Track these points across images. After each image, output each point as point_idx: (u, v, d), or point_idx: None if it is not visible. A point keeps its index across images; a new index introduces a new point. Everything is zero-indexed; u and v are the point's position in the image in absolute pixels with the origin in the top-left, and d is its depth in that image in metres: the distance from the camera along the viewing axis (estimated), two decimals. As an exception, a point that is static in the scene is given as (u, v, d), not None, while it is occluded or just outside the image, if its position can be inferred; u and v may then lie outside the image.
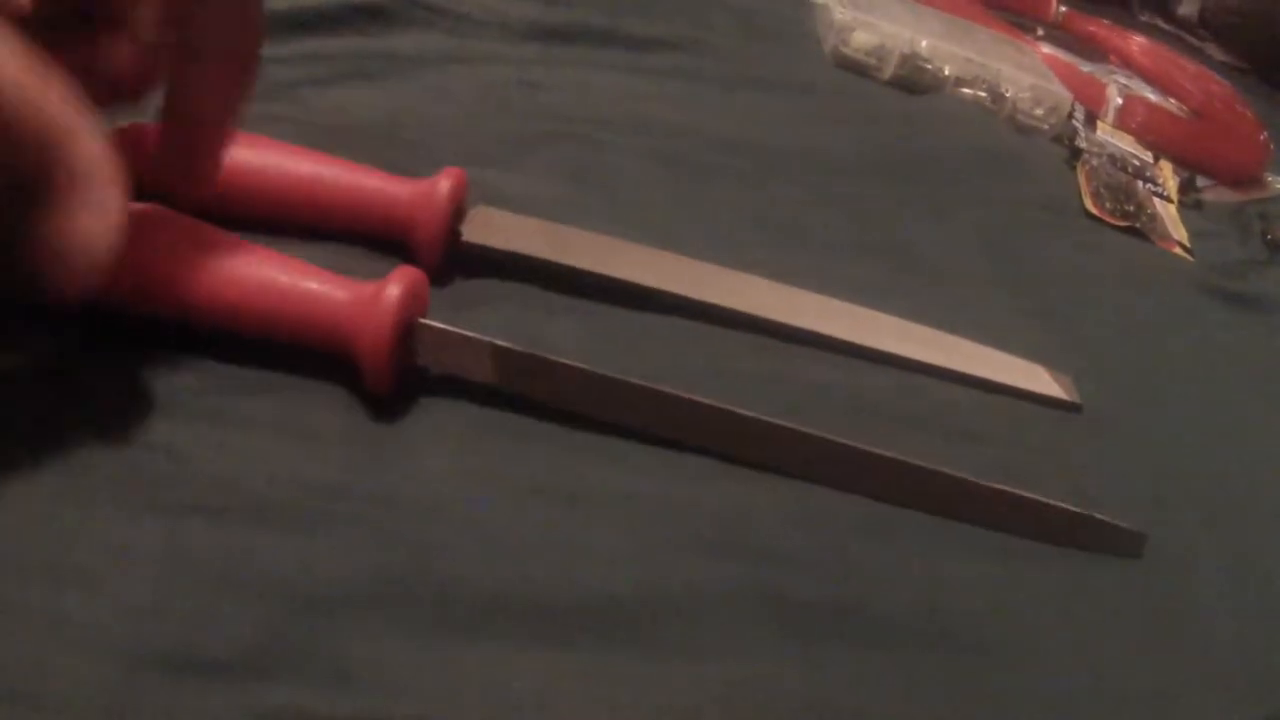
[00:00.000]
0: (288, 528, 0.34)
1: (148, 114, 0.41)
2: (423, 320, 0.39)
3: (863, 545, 0.40)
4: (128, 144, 0.42)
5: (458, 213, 0.44)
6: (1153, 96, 0.91)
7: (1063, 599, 0.41)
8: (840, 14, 0.77)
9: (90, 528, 0.33)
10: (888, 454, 0.41)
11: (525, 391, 0.40)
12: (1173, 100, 0.93)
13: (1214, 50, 1.17)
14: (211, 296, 0.38)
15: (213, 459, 0.36)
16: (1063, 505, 0.42)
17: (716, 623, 0.36)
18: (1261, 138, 0.88)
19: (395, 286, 0.37)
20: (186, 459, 0.35)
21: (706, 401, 0.40)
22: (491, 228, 0.45)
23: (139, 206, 0.40)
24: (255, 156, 0.44)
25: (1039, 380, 0.48)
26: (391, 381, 0.38)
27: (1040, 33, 0.99)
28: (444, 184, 0.43)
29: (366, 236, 0.44)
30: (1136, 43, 0.99)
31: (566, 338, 0.41)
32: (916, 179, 0.64)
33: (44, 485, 0.34)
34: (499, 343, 0.39)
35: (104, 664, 0.30)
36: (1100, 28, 1.02)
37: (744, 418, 0.40)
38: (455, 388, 0.40)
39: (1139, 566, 0.43)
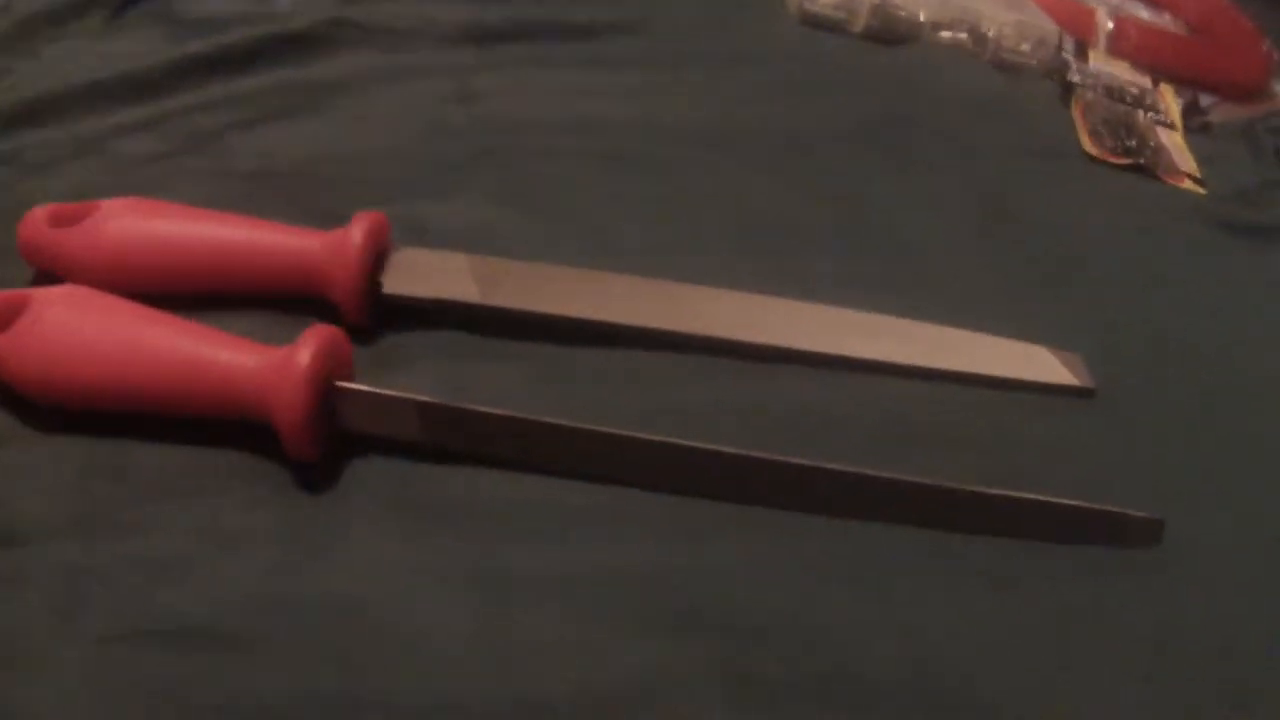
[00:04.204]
0: (214, 648, 0.33)
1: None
2: (340, 383, 0.37)
3: (838, 597, 0.36)
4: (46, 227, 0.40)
5: (379, 261, 0.42)
6: (1146, 14, 0.86)
7: (1062, 624, 0.37)
8: (802, -33, 0.72)
9: (13, 659, 0.32)
10: (866, 471, 0.38)
11: (457, 447, 0.38)
12: (1167, 15, 0.88)
13: (1207, -46, 1.12)
14: (121, 374, 0.37)
15: (135, 577, 0.35)
16: (1067, 501, 0.39)
17: (669, 714, 0.33)
18: (1264, 47, 0.83)
19: (306, 350, 0.36)
20: (109, 579, 0.35)
21: (650, 437, 0.37)
22: (416, 274, 0.42)
23: (54, 290, 0.39)
24: (162, 226, 0.42)
25: (1044, 366, 0.44)
26: (314, 449, 0.37)
27: (1023, -43, 0.95)
28: (357, 234, 0.41)
29: (285, 296, 0.42)
30: (1125, -44, 0.94)
31: (505, 386, 0.38)
32: (898, 143, 0.60)
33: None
34: (422, 399, 0.37)
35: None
36: (1085, -56, 0.97)
37: (691, 449, 0.37)
38: (384, 452, 0.38)
39: (1149, 573, 0.39)
